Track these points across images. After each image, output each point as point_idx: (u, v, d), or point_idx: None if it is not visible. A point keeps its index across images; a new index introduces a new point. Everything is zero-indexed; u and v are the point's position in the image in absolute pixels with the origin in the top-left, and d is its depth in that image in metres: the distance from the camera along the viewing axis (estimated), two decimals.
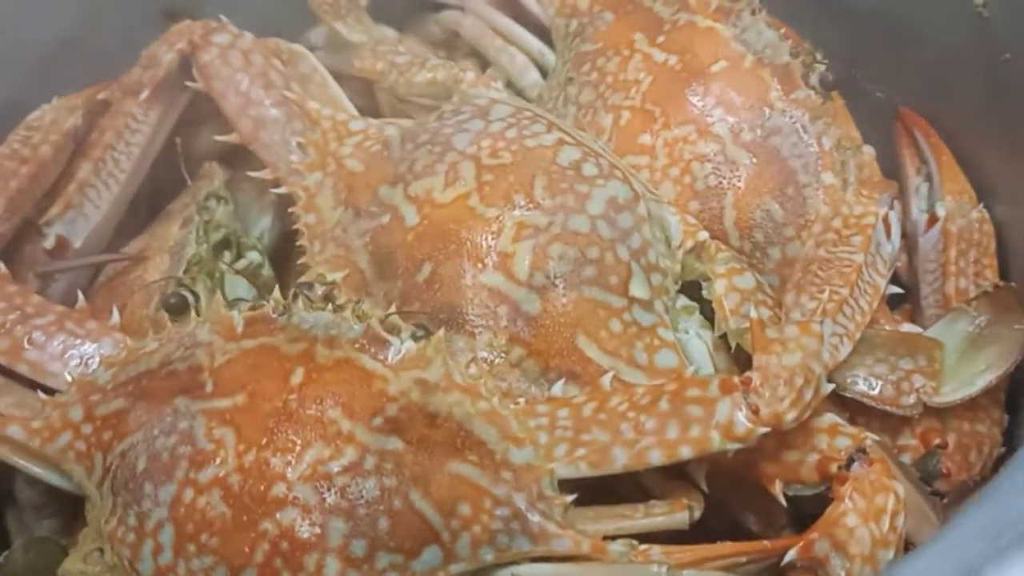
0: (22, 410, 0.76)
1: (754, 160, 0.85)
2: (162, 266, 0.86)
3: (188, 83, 0.92)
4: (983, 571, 0.53)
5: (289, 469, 0.66)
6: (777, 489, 0.72)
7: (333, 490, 0.66)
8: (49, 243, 0.89)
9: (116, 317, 0.80)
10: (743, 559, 0.69)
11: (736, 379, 0.70)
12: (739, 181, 0.85)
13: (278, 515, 0.66)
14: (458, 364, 0.71)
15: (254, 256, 0.88)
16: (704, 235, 0.81)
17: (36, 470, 0.74)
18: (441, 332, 0.72)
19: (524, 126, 0.84)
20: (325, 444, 0.67)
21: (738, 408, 0.69)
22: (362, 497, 0.66)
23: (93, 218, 0.91)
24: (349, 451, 0.67)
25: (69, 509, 0.80)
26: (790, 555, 0.68)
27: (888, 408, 0.77)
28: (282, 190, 0.89)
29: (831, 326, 0.73)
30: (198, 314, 0.81)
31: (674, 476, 0.74)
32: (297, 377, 0.69)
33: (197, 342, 0.72)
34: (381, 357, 0.70)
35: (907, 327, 0.84)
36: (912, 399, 0.77)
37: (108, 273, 0.91)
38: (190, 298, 0.81)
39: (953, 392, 0.78)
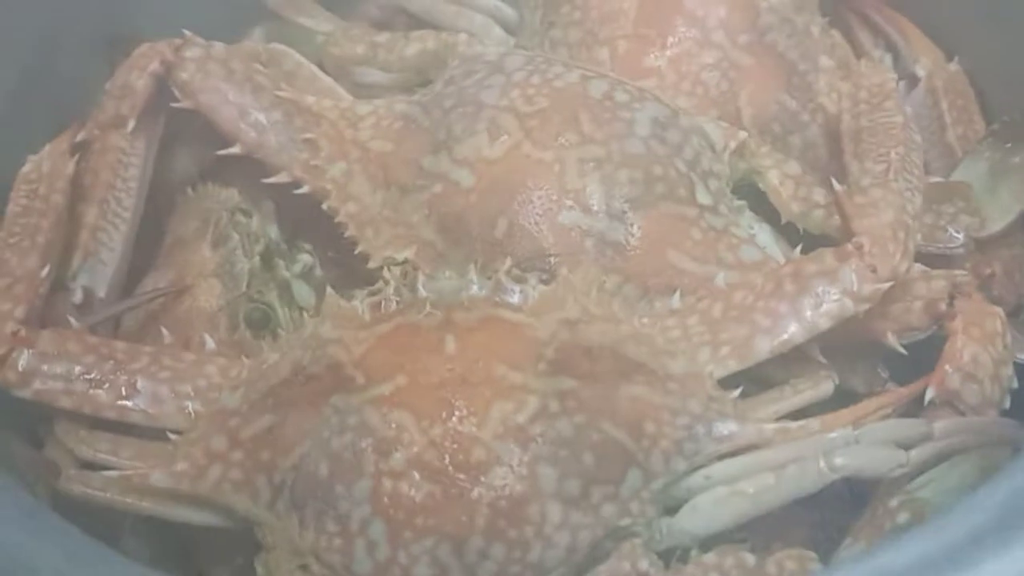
0: (147, 460, 0.71)
1: (756, 59, 0.89)
2: (215, 290, 0.83)
3: (173, 104, 0.88)
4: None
5: (482, 431, 0.66)
6: (892, 340, 0.77)
7: (531, 440, 0.66)
8: (77, 297, 0.83)
9: (211, 344, 0.76)
10: (889, 409, 0.74)
11: (848, 246, 0.74)
12: (748, 81, 0.89)
13: (486, 477, 0.65)
14: (589, 297, 0.73)
15: (306, 258, 0.85)
16: (743, 134, 0.85)
17: (189, 514, 0.71)
18: (565, 271, 0.73)
19: (544, 70, 0.85)
20: (506, 399, 0.67)
21: (858, 271, 0.73)
22: (560, 438, 0.67)
23: (110, 262, 0.86)
24: (531, 400, 0.67)
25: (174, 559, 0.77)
26: (929, 393, 0.74)
27: (946, 250, 0.84)
28: (305, 189, 0.87)
29: (903, 181, 0.79)
30: (280, 325, 0.79)
31: (790, 360, 0.78)
32: (450, 345, 0.69)
33: (325, 340, 0.70)
34: (519, 307, 0.71)
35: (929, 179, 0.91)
36: (962, 237, 0.84)
37: (138, 317, 0.86)
38: (268, 310, 0.80)
39: (994, 223, 0.85)
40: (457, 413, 0.66)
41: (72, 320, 0.78)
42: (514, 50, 0.89)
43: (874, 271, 0.73)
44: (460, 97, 0.85)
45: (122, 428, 0.74)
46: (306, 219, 0.90)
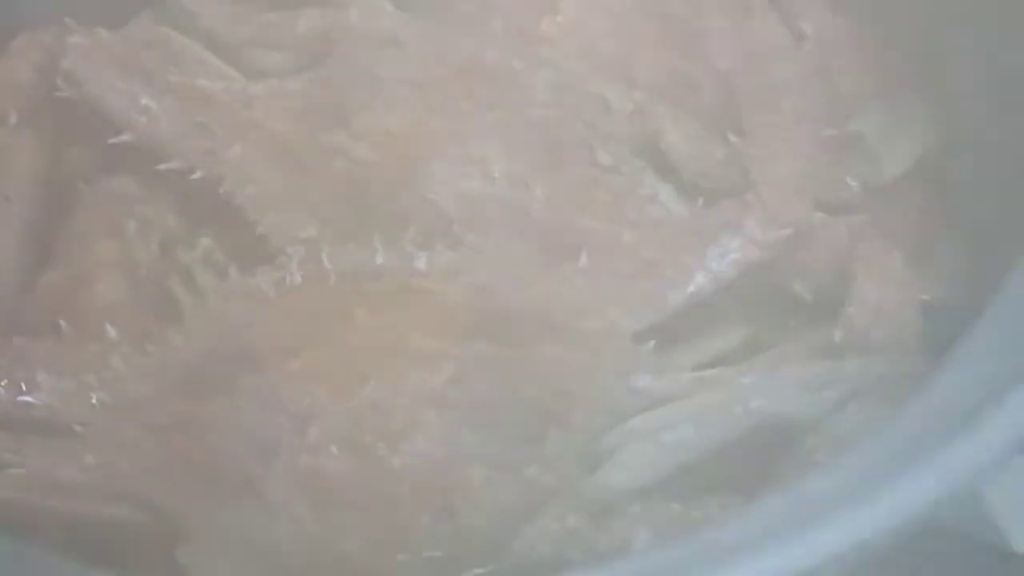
0: (53, 457, 0.69)
1: (650, 22, 0.90)
2: (115, 282, 0.80)
3: (57, 94, 0.86)
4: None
5: (397, 399, 0.65)
6: (800, 288, 0.78)
7: (448, 404, 0.66)
8: None
9: (113, 333, 0.74)
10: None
11: (748, 196, 0.76)
12: (642, 45, 0.90)
13: (406, 445, 0.65)
14: (496, 260, 0.73)
15: (206, 243, 0.83)
16: (639, 96, 0.86)
17: (106, 509, 0.68)
18: (472, 237, 0.73)
19: (440, 39, 0.85)
20: (420, 366, 0.66)
21: (760, 220, 0.75)
22: (479, 402, 0.66)
23: (2, 263, 0.83)
24: (446, 365, 0.67)
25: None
26: (837, 336, 0.75)
27: (845, 199, 0.85)
28: (199, 175, 0.85)
29: (798, 132, 0.80)
30: (184, 311, 0.77)
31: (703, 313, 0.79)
32: (360, 316, 0.68)
33: (230, 321, 0.69)
34: (426, 274, 0.70)
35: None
36: (858, 185, 0.86)
37: (37, 315, 0.82)
38: (175, 298, 0.78)
39: (890, 170, 0.86)
40: (371, 384, 0.66)
41: None
42: (407, 21, 0.89)
43: (775, 218, 0.75)
44: (355, 72, 0.84)
45: (25, 425, 0.72)
46: (207, 205, 0.89)
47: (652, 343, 0.72)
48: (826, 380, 0.71)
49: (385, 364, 0.66)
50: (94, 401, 0.70)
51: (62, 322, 0.77)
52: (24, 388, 0.71)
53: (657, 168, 0.86)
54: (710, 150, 0.84)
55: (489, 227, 0.77)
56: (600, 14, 0.90)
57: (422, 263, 0.71)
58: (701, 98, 0.90)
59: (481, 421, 0.66)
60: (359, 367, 0.66)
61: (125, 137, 0.85)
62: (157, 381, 0.69)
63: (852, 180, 0.86)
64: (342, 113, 0.82)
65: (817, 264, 0.78)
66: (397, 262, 0.71)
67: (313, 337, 0.67)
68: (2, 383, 0.71)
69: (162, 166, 0.85)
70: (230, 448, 0.66)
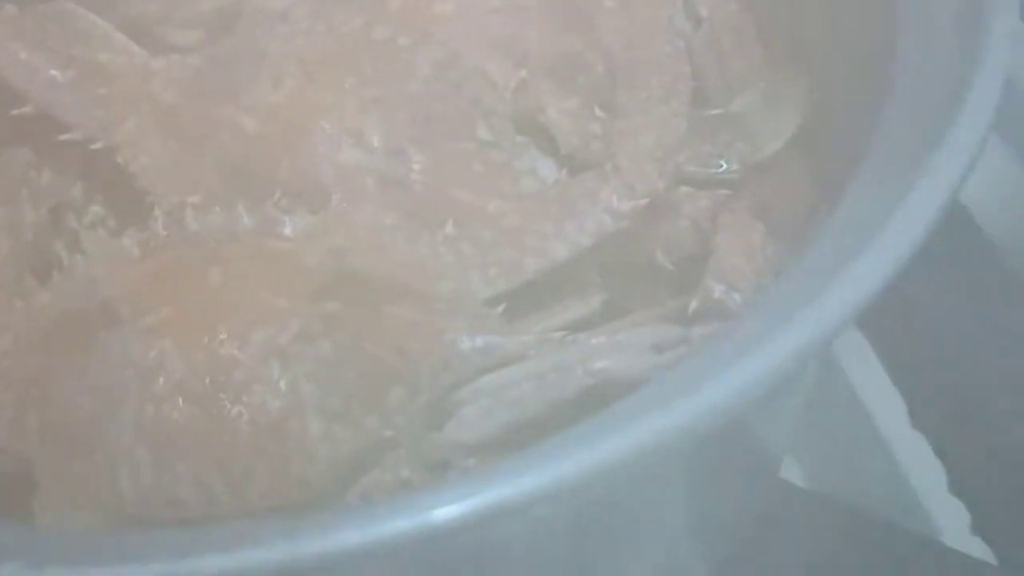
0: None
1: (540, 1, 0.93)
2: (2, 246, 0.83)
3: None
4: None
5: (242, 353, 0.68)
6: (663, 258, 0.81)
7: (292, 359, 0.68)
8: None
9: None
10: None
11: (607, 167, 0.78)
12: (532, 23, 0.92)
13: (247, 396, 0.67)
14: (360, 226, 0.75)
15: (96, 210, 0.86)
16: (523, 73, 0.88)
17: None
18: (335, 199, 0.75)
19: (329, 16, 0.87)
20: (267, 323, 0.69)
21: (617, 190, 0.77)
22: (322, 358, 0.69)
23: None
24: (293, 323, 0.69)
25: None
26: (693, 304, 0.77)
27: (718, 175, 0.87)
28: (98, 145, 0.88)
29: (664, 107, 0.82)
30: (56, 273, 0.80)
31: (569, 279, 0.81)
32: (215, 275, 0.71)
33: (94, 279, 0.72)
34: (287, 235, 0.73)
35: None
36: (735, 164, 0.88)
37: None
38: (52, 258, 0.80)
39: (766, 149, 0.89)
40: (219, 338, 0.68)
41: None
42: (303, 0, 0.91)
43: (632, 189, 0.77)
44: (248, 47, 0.87)
45: None
46: (104, 174, 0.92)
47: (503, 306, 0.75)
48: (672, 342, 0.73)
49: (233, 320, 0.69)
50: None
51: None
52: None
53: (539, 144, 0.89)
54: (588, 127, 0.86)
55: (362, 196, 0.80)
56: None
57: (287, 228, 0.74)
58: (588, 76, 0.93)
59: (322, 375, 0.68)
60: (207, 322, 0.68)
61: (27, 109, 0.89)
62: (18, 335, 0.72)
63: (728, 156, 0.89)
64: (232, 87, 0.85)
65: (679, 235, 0.80)
66: (262, 225, 0.73)
67: (167, 295, 0.70)
68: None
69: (63, 136, 0.89)
70: (82, 401, 0.68)
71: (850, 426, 1.08)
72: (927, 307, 1.09)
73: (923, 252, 0.60)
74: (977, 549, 0.97)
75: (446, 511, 0.49)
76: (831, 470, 1.07)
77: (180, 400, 0.67)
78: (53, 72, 0.89)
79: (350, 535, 0.48)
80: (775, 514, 0.95)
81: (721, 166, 0.86)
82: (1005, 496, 1.00)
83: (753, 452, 0.82)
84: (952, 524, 0.99)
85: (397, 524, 0.48)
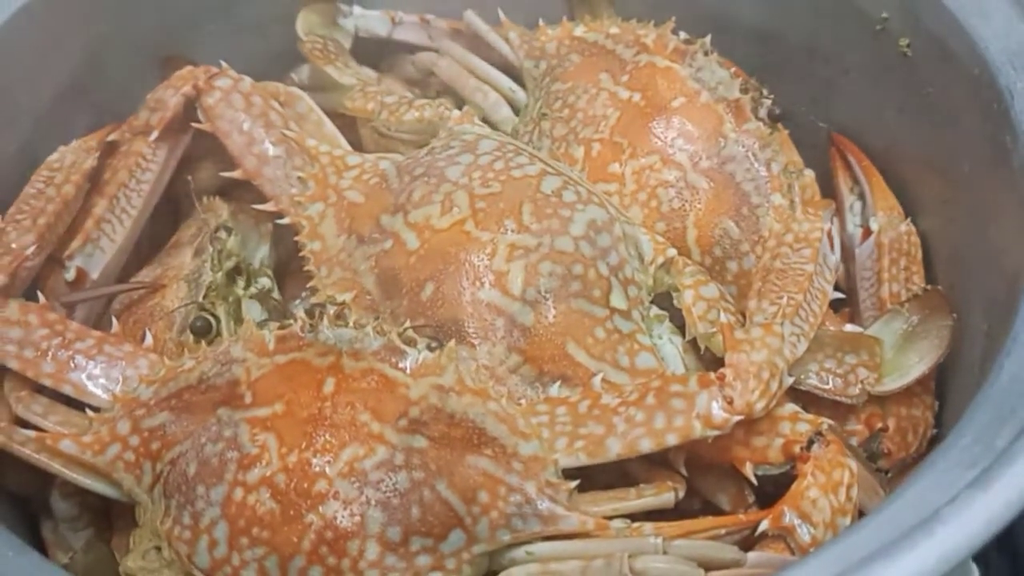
0: (68, 428, 0.83)
1: (712, 185, 0.96)
2: (180, 293, 0.94)
3: (193, 124, 1.01)
4: (915, 534, 0.65)
5: (329, 467, 0.75)
6: (748, 470, 0.82)
7: (369, 484, 0.75)
8: (70, 275, 0.96)
9: (149, 339, 0.88)
10: (722, 531, 0.80)
11: (712, 375, 0.80)
12: (699, 204, 0.96)
13: (321, 508, 0.74)
14: (468, 370, 0.81)
15: (265, 281, 0.96)
16: (673, 251, 0.92)
17: (87, 481, 0.82)
18: (452, 343, 0.82)
19: (510, 158, 0.94)
20: (359, 444, 0.76)
21: (715, 400, 0.79)
22: (395, 489, 0.75)
23: (108, 251, 0.98)
24: (381, 449, 0.76)
25: (101, 521, 0.88)
26: (763, 525, 0.79)
27: (838, 398, 0.89)
28: (286, 220, 0.98)
29: (790, 327, 0.84)
30: (219, 336, 0.90)
31: (656, 464, 0.84)
32: (329, 386, 0.78)
33: (232, 359, 0.81)
34: (401, 366, 0.80)
35: (849, 327, 0.96)
36: (857, 389, 0.89)
37: (123, 301, 0.98)
38: (212, 322, 0.90)
39: (892, 382, 0.89)
40: (313, 447, 0.76)
41: (42, 296, 0.90)
42: (492, 135, 0.98)
43: (730, 403, 0.79)
44: (430, 167, 0.95)
45: (62, 398, 0.86)
46: (280, 247, 1.02)
47: (577, 481, 0.79)
48: (723, 563, 0.76)
49: (331, 434, 0.76)
50: (111, 393, 0.84)
51: (114, 319, 0.93)
52: (62, 367, 0.85)
53: (677, 322, 0.92)
54: (719, 319, 0.87)
55: (490, 334, 0.86)
56: (669, 166, 0.97)
57: (407, 362, 0.80)
58: (743, 267, 0.94)
59: (392, 505, 0.75)
60: (309, 430, 0.76)
61: (236, 173, 0.99)
62: (159, 390, 0.81)
63: (851, 382, 0.89)
64: (405, 201, 0.92)
65: (771, 453, 0.82)
66: (385, 353, 0.80)
67: (286, 394, 0.78)
68: (47, 357, 0.85)
69: (258, 206, 0.99)
70: (189, 465, 0.77)
71: None
72: None
73: None
74: None
75: None
76: None
77: (266, 493, 0.75)
78: (265, 145, 0.99)
79: None
80: None
81: (847, 390, 0.87)
82: None
83: None
84: None
85: None
